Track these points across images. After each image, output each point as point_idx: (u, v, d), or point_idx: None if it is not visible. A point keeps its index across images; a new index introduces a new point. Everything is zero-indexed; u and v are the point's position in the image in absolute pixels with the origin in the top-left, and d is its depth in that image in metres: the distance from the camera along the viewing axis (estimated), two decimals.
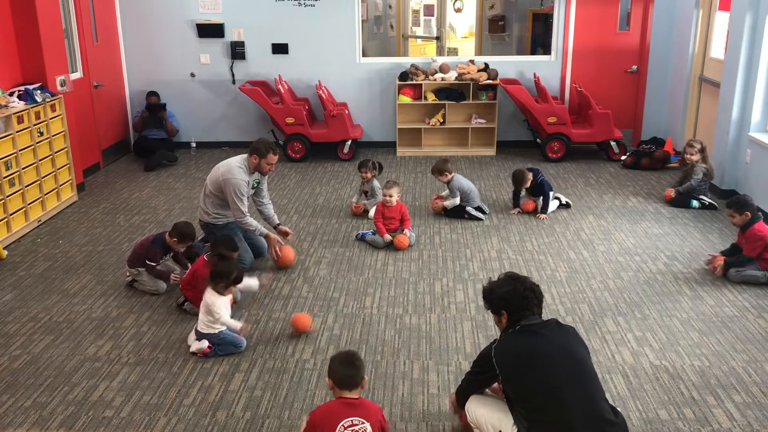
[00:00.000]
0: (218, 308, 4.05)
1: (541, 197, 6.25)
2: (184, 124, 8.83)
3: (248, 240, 5.24)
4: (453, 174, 6.22)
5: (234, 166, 5.09)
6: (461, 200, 6.21)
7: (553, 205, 6.32)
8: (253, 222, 5.11)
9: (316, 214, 6.44)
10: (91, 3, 7.86)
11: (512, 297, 2.91)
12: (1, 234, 5.65)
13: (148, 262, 4.79)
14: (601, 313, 4.47)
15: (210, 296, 4.08)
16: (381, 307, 4.62)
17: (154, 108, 8.34)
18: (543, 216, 6.17)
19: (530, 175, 6.28)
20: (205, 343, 4.04)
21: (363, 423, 2.84)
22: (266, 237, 5.18)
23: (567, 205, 6.44)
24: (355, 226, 6.09)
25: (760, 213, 5.02)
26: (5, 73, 6.32)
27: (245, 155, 5.17)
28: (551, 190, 6.33)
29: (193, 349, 4.07)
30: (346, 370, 2.92)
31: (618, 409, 2.85)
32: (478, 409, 3.01)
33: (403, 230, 5.64)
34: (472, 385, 3.07)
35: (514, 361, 2.80)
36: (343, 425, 2.82)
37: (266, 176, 5.33)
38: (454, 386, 3.66)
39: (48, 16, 6.61)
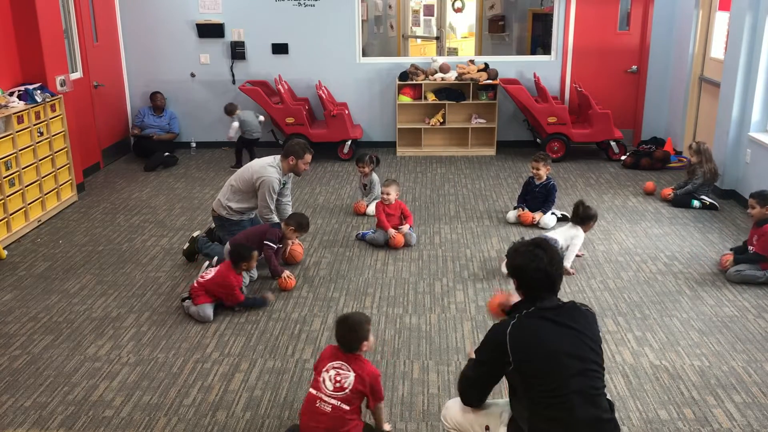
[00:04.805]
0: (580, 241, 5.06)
1: (546, 201, 6.05)
2: (184, 124, 8.83)
3: None
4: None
5: (267, 165, 5.20)
6: None
7: (552, 219, 6.04)
8: (277, 220, 5.21)
9: (316, 214, 6.44)
10: (91, 3, 7.86)
11: (522, 272, 2.64)
12: (1, 234, 5.65)
13: (267, 243, 4.83)
14: (601, 313, 4.47)
15: (574, 230, 5.06)
16: (381, 307, 4.62)
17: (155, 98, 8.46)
18: (540, 216, 5.97)
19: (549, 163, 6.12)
20: None
21: (348, 371, 3.02)
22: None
23: (564, 218, 6.11)
24: (355, 226, 6.09)
25: None
26: (5, 73, 6.32)
27: (276, 156, 5.27)
28: (555, 200, 6.14)
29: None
30: (341, 330, 3.08)
31: (613, 402, 2.74)
32: (458, 414, 2.86)
33: (400, 228, 5.63)
34: (483, 380, 2.74)
35: (526, 348, 2.57)
36: (332, 365, 3.05)
37: (291, 176, 5.45)
38: (454, 387, 3.67)
39: (48, 16, 6.60)
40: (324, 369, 3.07)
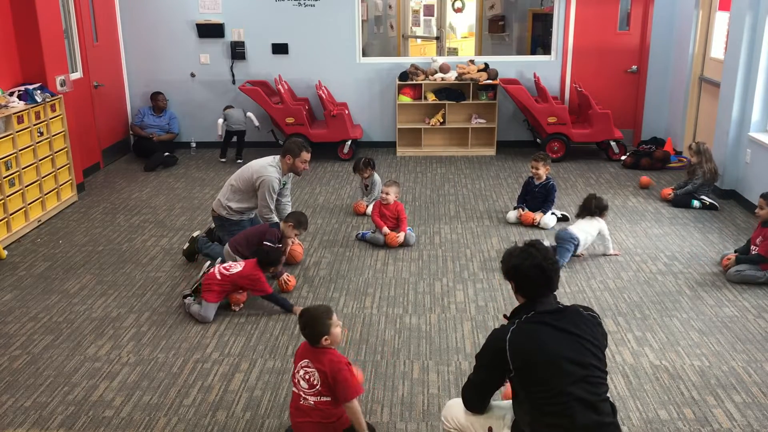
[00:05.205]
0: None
1: (546, 201, 6.04)
2: (184, 124, 8.83)
3: None
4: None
5: (267, 164, 5.20)
6: None
7: (552, 219, 6.03)
8: (276, 220, 5.21)
9: (316, 214, 6.44)
10: (91, 3, 7.86)
11: (517, 270, 2.66)
12: (1, 234, 5.65)
13: (267, 243, 4.81)
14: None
15: (596, 222, 5.30)
16: (381, 307, 4.62)
17: (156, 99, 8.45)
18: (540, 216, 5.97)
19: (549, 163, 6.11)
20: None
21: (312, 369, 3.06)
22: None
23: (564, 218, 6.16)
24: (355, 226, 6.09)
25: None
26: (5, 73, 6.32)
27: (276, 156, 5.27)
28: (554, 200, 6.12)
29: None
30: (300, 324, 3.12)
31: (615, 404, 2.74)
32: (460, 414, 2.85)
33: (399, 231, 5.63)
34: (483, 385, 2.76)
35: (526, 355, 2.56)
36: (301, 365, 3.11)
37: (291, 176, 5.43)
38: (455, 387, 3.68)
39: (48, 16, 6.60)
40: (296, 370, 3.12)
